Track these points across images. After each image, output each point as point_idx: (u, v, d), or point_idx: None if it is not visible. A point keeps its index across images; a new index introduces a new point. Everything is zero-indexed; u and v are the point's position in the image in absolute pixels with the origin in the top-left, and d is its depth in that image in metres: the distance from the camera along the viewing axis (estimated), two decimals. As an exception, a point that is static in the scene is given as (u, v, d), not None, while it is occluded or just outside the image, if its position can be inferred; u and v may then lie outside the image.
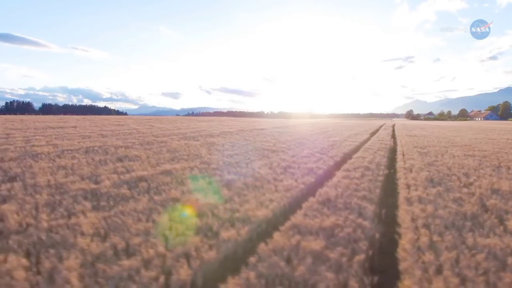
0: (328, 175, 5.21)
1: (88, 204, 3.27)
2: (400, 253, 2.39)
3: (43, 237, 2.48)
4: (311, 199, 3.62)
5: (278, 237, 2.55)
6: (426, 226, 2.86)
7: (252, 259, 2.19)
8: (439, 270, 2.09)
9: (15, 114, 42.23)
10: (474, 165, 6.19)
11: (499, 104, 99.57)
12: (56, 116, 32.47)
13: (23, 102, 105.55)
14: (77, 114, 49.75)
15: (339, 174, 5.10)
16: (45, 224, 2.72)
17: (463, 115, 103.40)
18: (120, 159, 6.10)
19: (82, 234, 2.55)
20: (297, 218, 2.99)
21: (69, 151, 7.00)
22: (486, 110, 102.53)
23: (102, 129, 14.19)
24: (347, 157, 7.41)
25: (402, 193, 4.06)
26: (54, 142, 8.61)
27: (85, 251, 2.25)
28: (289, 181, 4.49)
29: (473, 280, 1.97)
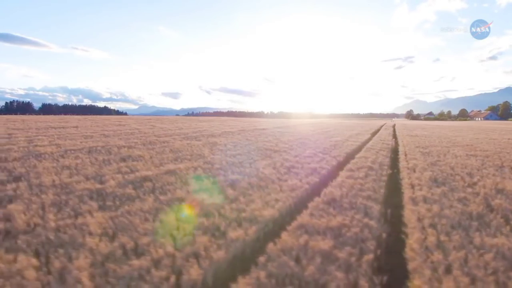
0: (332, 175, 5.22)
1: (94, 204, 3.28)
2: (408, 252, 2.39)
3: (52, 237, 2.49)
4: (317, 199, 3.63)
5: (286, 237, 2.55)
6: (433, 226, 2.87)
7: (262, 259, 2.20)
8: (448, 270, 2.09)
9: (15, 114, 42.25)
10: (477, 165, 6.19)
11: (499, 104, 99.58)
12: (57, 116, 32.49)
13: (23, 102, 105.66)
14: (77, 114, 49.78)
15: (343, 174, 5.11)
16: (52, 224, 2.73)
17: (463, 115, 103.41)
18: (123, 159, 6.10)
19: (90, 234, 2.56)
20: (303, 218, 3.00)
21: (72, 151, 7.00)
22: (486, 110, 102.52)
23: (104, 129, 14.19)
24: (349, 157, 7.42)
25: (407, 193, 4.06)
26: (57, 142, 8.61)
27: (94, 251, 2.26)
28: (293, 181, 4.50)
29: (483, 280, 1.97)
